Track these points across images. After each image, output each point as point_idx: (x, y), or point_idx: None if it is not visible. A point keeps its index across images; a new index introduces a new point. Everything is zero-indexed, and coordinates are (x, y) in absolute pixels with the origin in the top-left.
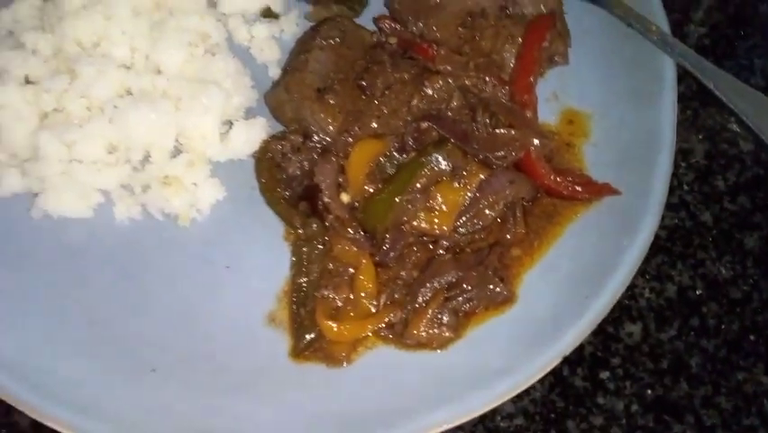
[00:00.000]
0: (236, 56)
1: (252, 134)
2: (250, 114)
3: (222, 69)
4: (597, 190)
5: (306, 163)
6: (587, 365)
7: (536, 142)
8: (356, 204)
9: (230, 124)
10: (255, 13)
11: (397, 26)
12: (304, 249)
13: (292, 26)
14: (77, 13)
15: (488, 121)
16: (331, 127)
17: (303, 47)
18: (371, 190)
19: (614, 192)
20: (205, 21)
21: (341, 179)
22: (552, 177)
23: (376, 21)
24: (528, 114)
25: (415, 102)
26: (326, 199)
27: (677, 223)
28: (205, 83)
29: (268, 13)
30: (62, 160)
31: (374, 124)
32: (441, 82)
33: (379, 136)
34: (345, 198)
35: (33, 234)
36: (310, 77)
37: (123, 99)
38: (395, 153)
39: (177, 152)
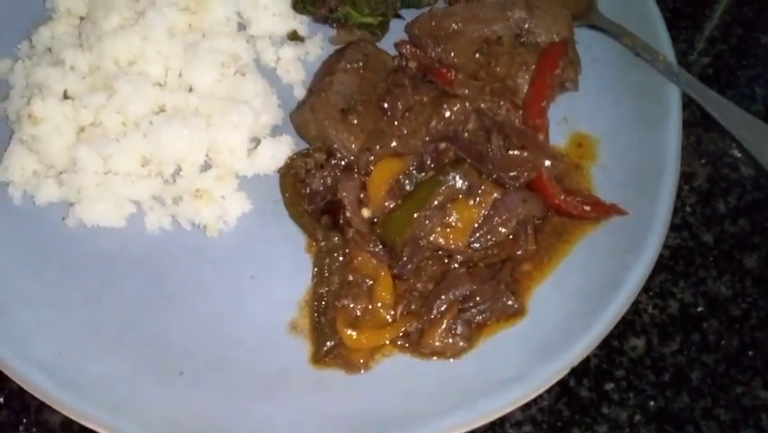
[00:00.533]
0: (264, 76)
1: (279, 151)
2: (276, 131)
3: (251, 88)
4: (605, 210)
5: (328, 179)
6: (592, 376)
7: (548, 163)
8: (376, 219)
9: (257, 140)
10: (282, 36)
11: (417, 51)
12: (326, 260)
13: (317, 49)
14: (115, 32)
15: (501, 143)
16: (353, 146)
17: (328, 69)
18: (391, 206)
19: (621, 212)
20: (236, 42)
21: (362, 196)
22: (562, 196)
23: (397, 46)
24: (540, 137)
25: (433, 123)
26: (349, 214)
27: (680, 243)
28: (235, 102)
29: (294, 36)
30: (98, 171)
31: (394, 144)
32: (458, 105)
33: (399, 155)
34: (366, 213)
35: (68, 242)
36: (334, 98)
37: (157, 116)
38: (414, 172)
39: (206, 166)
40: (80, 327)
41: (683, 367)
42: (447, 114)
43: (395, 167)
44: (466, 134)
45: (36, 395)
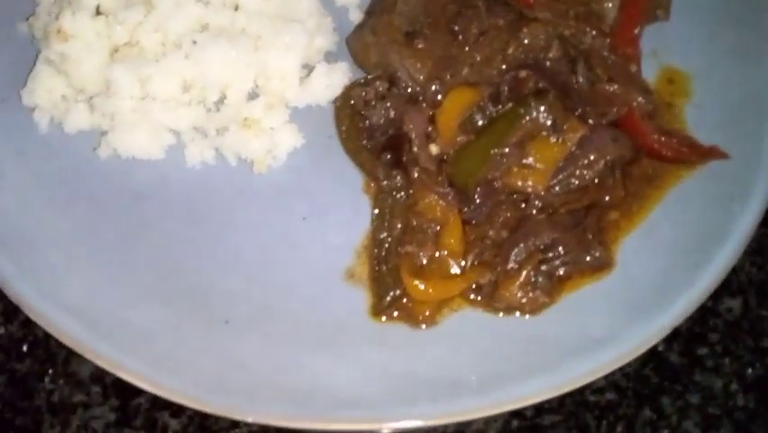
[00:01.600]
0: None
1: (334, 79)
2: (330, 57)
3: (304, 7)
4: (704, 153)
5: (391, 112)
6: (683, 340)
7: (640, 99)
8: (445, 157)
9: (309, 67)
10: None
11: None
12: (387, 202)
13: None
14: None
15: (587, 74)
16: (419, 74)
17: None
18: (463, 142)
19: (722, 156)
20: None
21: (430, 130)
22: (656, 136)
23: None
24: (632, 68)
25: (510, 50)
26: (416, 150)
27: None
28: (286, 21)
29: None
30: (134, 96)
31: (466, 72)
32: (539, 29)
33: (473, 85)
34: (434, 149)
35: (100, 175)
36: (398, 19)
37: (200, 35)
38: (489, 104)
39: (254, 94)
40: (114, 269)
41: None
42: (526, 39)
43: (468, 97)
44: (548, 63)
45: (64, 342)
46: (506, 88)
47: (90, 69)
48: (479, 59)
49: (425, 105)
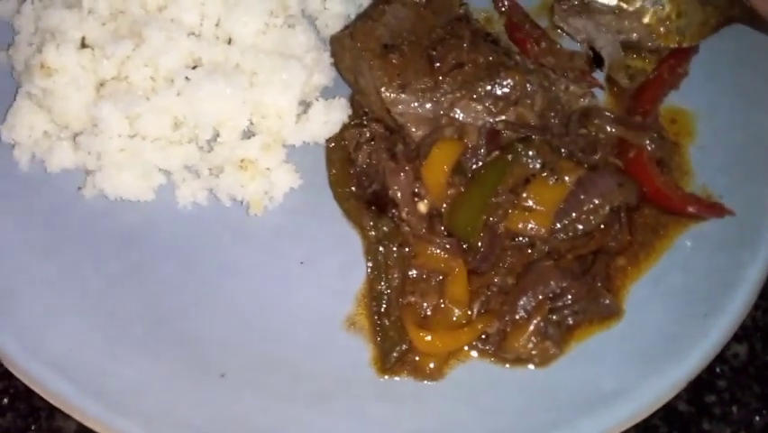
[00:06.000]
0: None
1: (332, 116)
2: (328, 93)
3: (302, 42)
4: (707, 209)
5: (374, 155)
6: (691, 387)
7: (649, 142)
8: (436, 211)
9: (306, 104)
10: None
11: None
12: (380, 250)
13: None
14: None
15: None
16: (384, 88)
17: None
18: (453, 195)
19: (726, 213)
20: None
21: (417, 187)
22: (663, 180)
23: None
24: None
25: (480, 89)
26: (405, 215)
27: None
28: (283, 57)
29: None
30: (122, 134)
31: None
32: (517, 77)
33: (452, 137)
34: (423, 207)
35: (85, 217)
36: (381, 29)
37: (192, 71)
38: (474, 155)
39: (249, 132)
40: (101, 319)
41: None
42: (505, 83)
43: (452, 150)
44: (534, 111)
45: (47, 398)
46: (483, 141)
47: (75, 104)
48: (448, 90)
49: (411, 160)
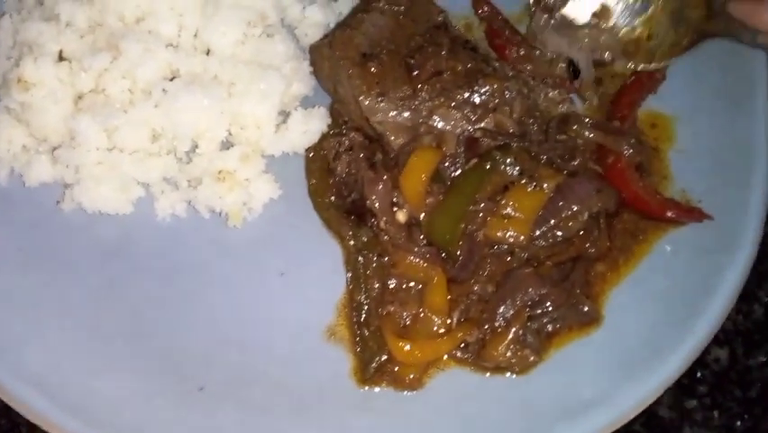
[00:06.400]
0: (294, 38)
1: (312, 126)
2: (307, 103)
3: (280, 51)
4: (686, 214)
5: (352, 164)
6: (672, 393)
7: (627, 148)
8: (414, 220)
9: (286, 114)
10: None
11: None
12: (359, 260)
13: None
14: None
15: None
16: (362, 97)
17: (364, 5)
18: (432, 203)
19: (705, 217)
20: None
21: (395, 197)
22: (642, 187)
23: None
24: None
25: (459, 96)
26: (383, 225)
27: (762, 239)
28: (262, 67)
29: None
30: (100, 148)
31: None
32: (496, 85)
33: (430, 145)
34: (402, 216)
35: (64, 231)
36: (359, 38)
37: (170, 83)
38: (452, 164)
39: (228, 143)
40: (80, 334)
41: None
42: (483, 90)
43: (429, 159)
44: (513, 117)
45: (27, 417)
46: (462, 149)
47: (53, 118)
48: (426, 97)
49: (390, 166)
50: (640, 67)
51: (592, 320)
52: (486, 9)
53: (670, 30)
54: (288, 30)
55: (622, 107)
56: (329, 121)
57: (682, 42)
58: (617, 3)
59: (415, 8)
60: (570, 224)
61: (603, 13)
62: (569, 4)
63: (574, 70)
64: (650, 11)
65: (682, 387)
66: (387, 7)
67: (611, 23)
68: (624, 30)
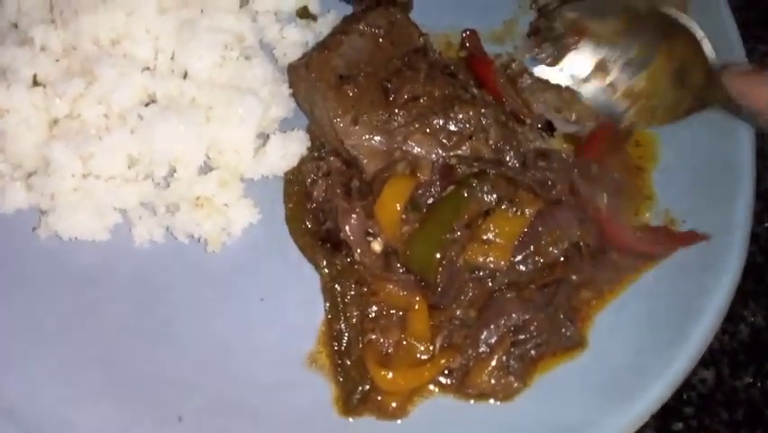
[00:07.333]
0: (271, 61)
1: (290, 149)
2: (286, 125)
3: (259, 75)
4: (683, 240)
5: (329, 190)
6: (659, 415)
7: (602, 201)
8: (390, 249)
9: (265, 137)
10: (290, 13)
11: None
12: (336, 288)
13: (328, 30)
14: (95, 6)
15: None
16: (337, 119)
17: (344, 27)
18: (408, 232)
19: (702, 239)
20: (240, 20)
21: (370, 226)
22: (632, 234)
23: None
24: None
25: (434, 121)
26: (358, 257)
27: (748, 258)
28: (239, 91)
29: (304, 14)
30: (75, 174)
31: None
32: (472, 112)
33: (404, 173)
34: (377, 246)
35: (40, 258)
36: (337, 60)
37: (146, 108)
38: (426, 192)
39: (206, 168)
40: (56, 363)
41: (758, 402)
42: (459, 116)
43: (404, 187)
44: (490, 144)
45: None
46: (437, 176)
47: (27, 144)
48: (402, 122)
49: (358, 200)
50: (642, 123)
51: (576, 344)
52: (467, 33)
53: (670, 89)
54: (266, 50)
55: (594, 154)
56: (308, 144)
57: (682, 106)
58: (618, 58)
59: (395, 31)
60: (550, 249)
61: (601, 66)
62: (568, 58)
63: (549, 126)
64: (650, 67)
65: (669, 409)
66: (367, 29)
67: (612, 78)
68: (625, 86)
